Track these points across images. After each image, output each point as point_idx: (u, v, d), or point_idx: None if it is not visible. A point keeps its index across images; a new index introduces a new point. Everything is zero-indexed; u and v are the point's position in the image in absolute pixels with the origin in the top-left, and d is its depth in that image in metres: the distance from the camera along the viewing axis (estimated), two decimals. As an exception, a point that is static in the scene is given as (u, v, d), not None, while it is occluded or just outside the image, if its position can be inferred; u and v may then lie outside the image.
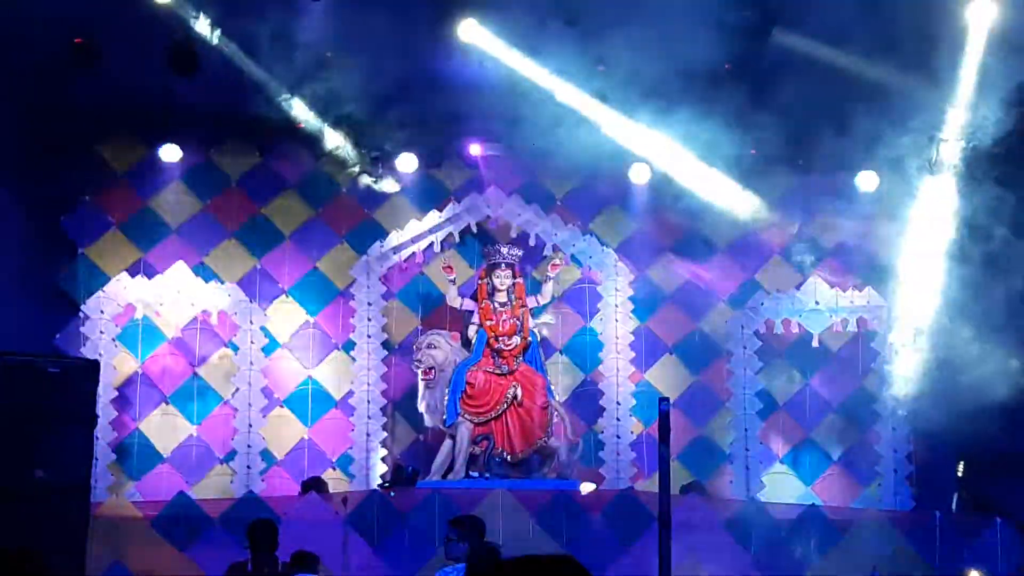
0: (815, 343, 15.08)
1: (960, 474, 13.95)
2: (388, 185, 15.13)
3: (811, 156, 15.00)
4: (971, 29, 12.34)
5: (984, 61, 12.51)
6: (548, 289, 14.68)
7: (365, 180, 14.95)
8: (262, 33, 12.55)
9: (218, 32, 12.61)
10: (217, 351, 14.96)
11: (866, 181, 15.24)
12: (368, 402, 14.69)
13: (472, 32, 12.30)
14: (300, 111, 14.00)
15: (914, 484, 14.69)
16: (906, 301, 14.88)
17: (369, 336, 14.80)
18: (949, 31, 12.33)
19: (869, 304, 14.92)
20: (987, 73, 12.54)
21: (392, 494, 12.95)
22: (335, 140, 14.57)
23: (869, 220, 15.39)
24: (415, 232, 14.97)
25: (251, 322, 14.69)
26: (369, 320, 14.82)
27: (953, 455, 14.36)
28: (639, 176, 15.21)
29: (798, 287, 15.15)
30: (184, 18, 12.26)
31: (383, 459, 14.68)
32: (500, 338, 14.33)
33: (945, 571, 12.48)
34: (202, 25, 12.49)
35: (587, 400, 15.16)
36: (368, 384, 14.70)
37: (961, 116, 13.07)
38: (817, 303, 14.93)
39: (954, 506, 13.63)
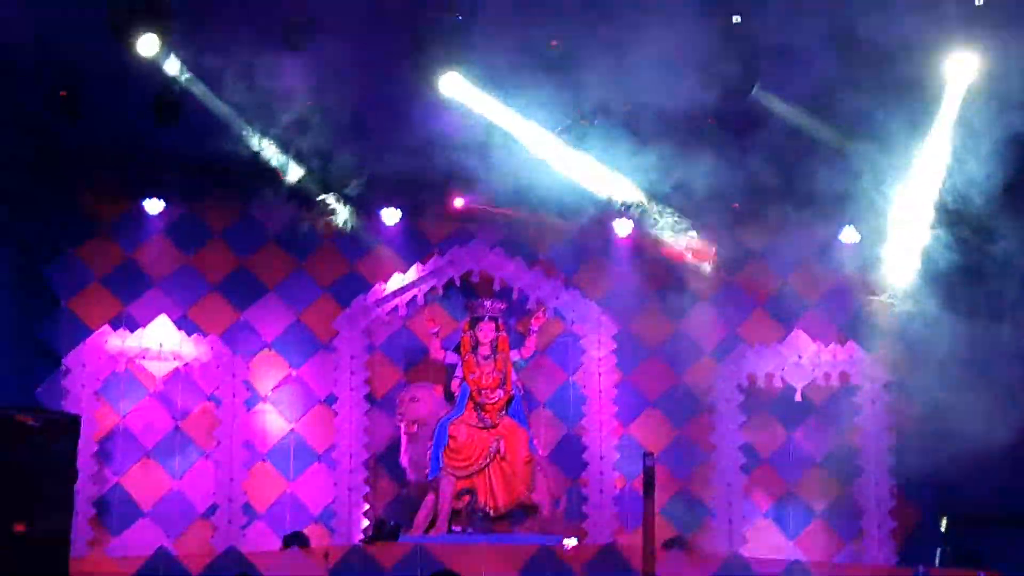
0: (798, 397, 15.06)
1: (943, 529, 13.94)
2: (371, 236, 15.20)
3: (794, 209, 15.09)
4: (951, 83, 12.42)
5: (964, 115, 12.57)
6: (531, 342, 14.70)
7: (347, 229, 14.96)
8: (244, 86, 12.58)
9: (201, 85, 12.62)
10: (199, 405, 14.90)
11: (848, 235, 15.33)
12: (351, 456, 14.63)
13: (455, 85, 12.34)
14: (282, 163, 14.02)
15: (897, 539, 14.67)
16: (886, 354, 14.96)
17: (352, 389, 14.77)
18: (930, 86, 12.42)
19: (852, 358, 14.93)
20: (967, 127, 12.61)
21: (374, 548, 12.88)
22: (318, 191, 14.64)
23: (852, 273, 15.50)
24: (398, 285, 14.98)
25: (233, 375, 14.64)
26: (352, 373, 14.79)
27: (937, 510, 14.36)
28: (622, 229, 15.30)
29: (781, 340, 15.17)
30: (167, 70, 12.28)
31: (365, 513, 14.61)
32: (483, 391, 14.33)
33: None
34: (185, 77, 12.50)
35: (570, 454, 15.12)
36: (351, 438, 14.65)
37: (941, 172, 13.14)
38: (800, 356, 14.94)
39: (937, 561, 13.60)
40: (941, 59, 11.93)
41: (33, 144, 13.59)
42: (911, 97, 12.36)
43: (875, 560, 14.23)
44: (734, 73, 12.01)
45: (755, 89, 12.23)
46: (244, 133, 13.36)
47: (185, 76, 12.39)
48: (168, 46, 11.88)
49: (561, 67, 12.08)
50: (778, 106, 12.69)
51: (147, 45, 11.73)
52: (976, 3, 11.26)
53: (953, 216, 13.47)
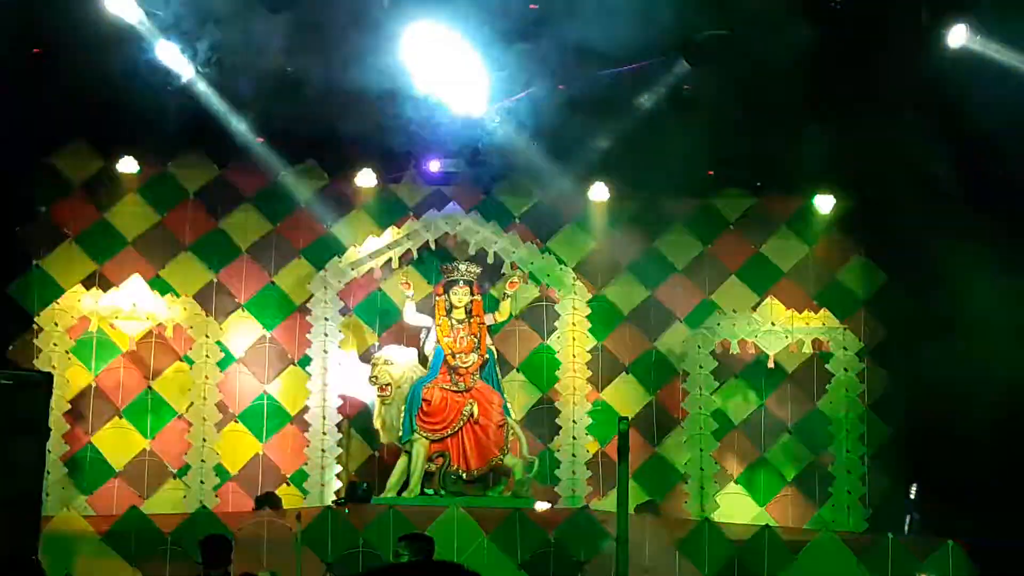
0: (770, 364, 15.11)
1: (913, 497, 14.02)
2: (346, 199, 15.17)
3: (767, 177, 15.13)
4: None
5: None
6: (506, 307, 14.71)
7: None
8: (220, 46, 12.52)
9: (172, 43, 12.55)
10: (172, 365, 14.86)
11: (823, 203, 15.39)
12: (323, 418, 14.60)
13: (427, 44, 12.26)
14: (259, 125, 13.96)
15: (867, 506, 14.76)
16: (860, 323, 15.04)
17: (325, 352, 14.72)
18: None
19: (824, 326, 14.98)
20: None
21: (346, 511, 12.89)
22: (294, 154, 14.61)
23: (823, 241, 15.57)
24: (373, 248, 14.93)
25: (207, 336, 14.59)
26: (326, 335, 14.75)
27: (907, 478, 14.44)
28: (598, 194, 15.32)
29: (754, 308, 15.22)
30: (139, 30, 12.20)
31: (337, 475, 14.59)
32: (457, 355, 14.32)
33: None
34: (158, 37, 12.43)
35: (543, 418, 15.15)
36: (324, 400, 14.63)
37: None
38: (773, 324, 14.98)
39: (907, 528, 13.68)
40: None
41: (5, 103, 13.45)
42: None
43: (845, 527, 14.29)
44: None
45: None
46: (219, 95, 13.29)
47: (158, 36, 12.33)
48: (141, 3, 11.83)
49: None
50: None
51: (119, 2, 11.69)
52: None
53: None
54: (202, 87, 13.15)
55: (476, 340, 14.39)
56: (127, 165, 14.85)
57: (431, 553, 8.99)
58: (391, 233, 14.99)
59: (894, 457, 15.00)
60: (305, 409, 14.74)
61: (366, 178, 15.21)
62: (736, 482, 15.32)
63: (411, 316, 14.62)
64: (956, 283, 13.42)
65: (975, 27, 11.90)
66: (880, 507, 14.75)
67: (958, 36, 12.09)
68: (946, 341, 13.53)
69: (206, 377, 14.52)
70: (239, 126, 13.96)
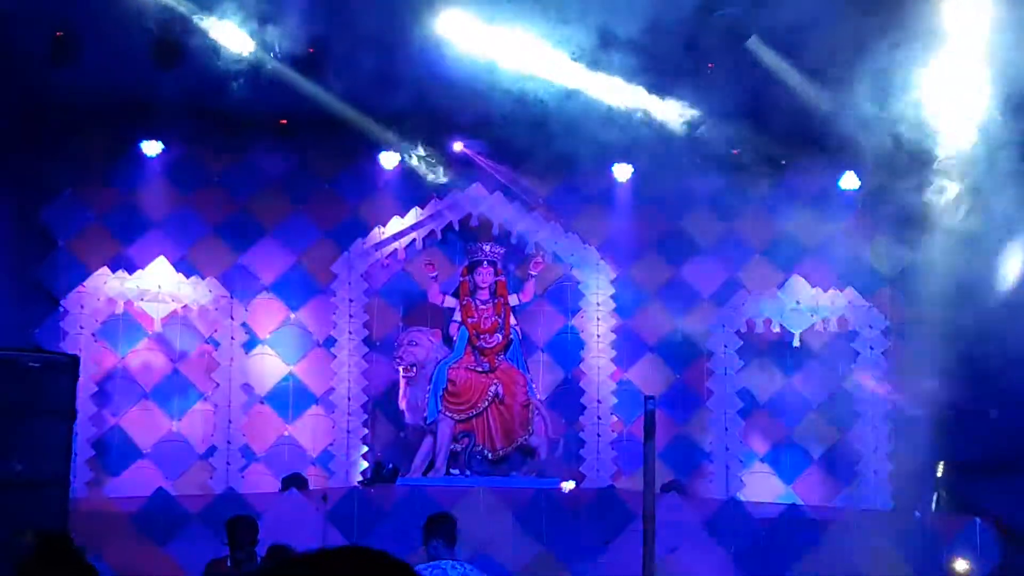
0: (796, 342, 15.08)
1: (940, 475, 14.00)
2: (370, 179, 15.19)
3: (793, 156, 15.07)
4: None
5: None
6: (530, 287, 14.69)
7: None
8: (245, 27, 12.54)
9: (202, 25, 12.54)
10: (197, 347, 14.92)
11: (848, 181, 15.33)
12: (349, 399, 14.66)
13: (453, 24, 12.27)
14: (283, 106, 13.96)
15: (894, 484, 14.73)
16: (885, 301, 14.99)
17: (351, 333, 14.77)
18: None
19: (850, 304, 14.94)
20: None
21: (372, 491, 12.94)
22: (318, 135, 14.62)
23: (848, 219, 15.50)
24: (397, 229, 14.94)
25: (232, 318, 14.65)
26: (351, 317, 14.79)
27: (933, 456, 14.41)
28: (622, 174, 15.30)
29: (780, 286, 15.18)
30: (167, 11, 12.21)
31: (364, 456, 14.65)
32: (482, 335, 14.33)
33: (923, 570, 12.52)
34: (186, 18, 12.43)
35: (568, 398, 15.16)
36: (349, 381, 14.67)
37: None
38: (798, 302, 14.94)
39: (933, 506, 13.66)
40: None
41: (30, 85, 13.49)
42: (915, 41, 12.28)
43: (872, 505, 14.28)
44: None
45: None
46: (242, 76, 13.28)
47: (184, 18, 12.33)
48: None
49: None
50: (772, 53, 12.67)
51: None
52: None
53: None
54: (226, 67, 13.11)
55: (500, 320, 14.40)
56: (151, 147, 14.88)
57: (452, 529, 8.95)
58: (415, 214, 15.00)
59: (920, 435, 14.95)
60: (331, 390, 14.79)
61: (390, 159, 15.21)
62: (762, 461, 15.31)
63: (435, 297, 14.62)
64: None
65: None
66: (906, 485, 14.72)
67: None
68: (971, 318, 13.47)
69: (232, 359, 14.58)
70: (263, 106, 13.94)
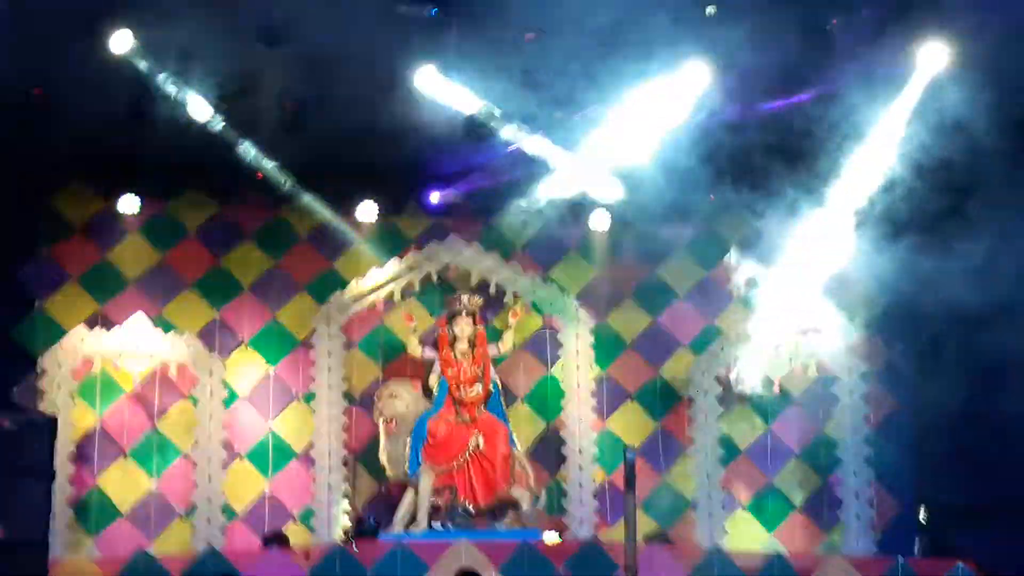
0: (776, 389, 15.09)
1: (922, 519, 14.02)
2: (347, 232, 15.18)
3: (769, 202, 15.11)
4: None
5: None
6: (509, 337, 14.68)
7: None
8: (220, 82, 12.55)
9: (172, 81, 12.55)
10: (176, 403, 14.84)
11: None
12: (329, 454, 14.61)
13: (429, 79, 12.35)
14: (257, 160, 13.95)
15: (876, 530, 14.74)
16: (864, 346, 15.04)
17: (330, 387, 14.74)
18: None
19: (829, 350, 14.96)
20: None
21: (355, 547, 12.87)
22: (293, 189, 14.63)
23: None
24: (375, 281, 14.95)
25: (211, 374, 14.61)
26: (329, 370, 14.77)
27: (915, 500, 14.44)
28: (599, 223, 15.34)
29: (758, 332, 15.18)
30: (140, 68, 12.22)
31: (345, 512, 14.58)
32: (462, 387, 14.30)
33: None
34: (159, 76, 12.44)
35: (549, 449, 15.13)
36: (329, 436, 14.63)
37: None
38: (778, 348, 14.95)
39: (916, 551, 13.67)
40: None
41: (4, 143, 13.45)
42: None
43: (854, 551, 14.28)
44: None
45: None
46: (218, 131, 13.29)
47: (159, 75, 12.35)
48: (142, 43, 11.86)
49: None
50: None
51: (120, 42, 11.73)
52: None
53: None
54: (201, 123, 13.11)
55: (480, 371, 14.37)
56: (128, 204, 14.85)
57: None
58: (393, 265, 15.00)
59: (902, 480, 14.98)
60: (311, 445, 14.74)
61: (367, 211, 15.22)
62: (745, 508, 15.28)
63: (415, 349, 14.60)
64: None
65: None
66: (889, 530, 14.72)
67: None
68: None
69: (211, 415, 14.53)
70: (238, 161, 13.95)
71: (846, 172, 13.51)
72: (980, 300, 12.62)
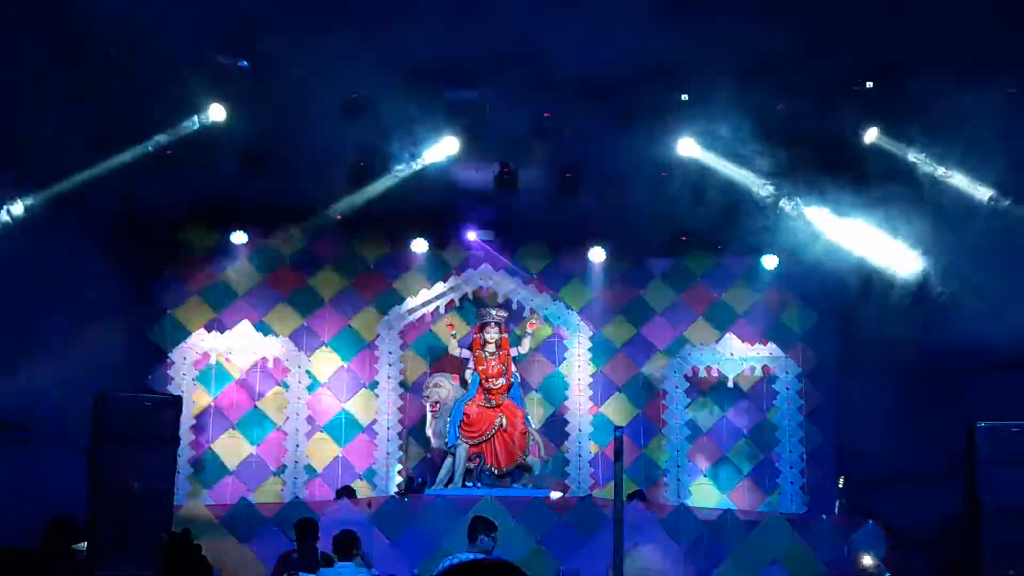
0: (730, 384, 15.09)
1: (841, 486, 13.96)
2: (404, 261, 15.22)
3: (728, 241, 15.11)
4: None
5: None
6: (526, 342, 14.69)
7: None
8: (305, 151, 12.56)
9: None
10: (272, 389, 14.91)
11: (769, 261, 15.37)
12: (388, 428, 14.65)
13: (460, 144, 12.35)
14: (339, 207, 14.01)
15: (805, 493, 14.69)
16: (797, 353, 15.01)
17: (389, 378, 14.79)
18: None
19: (770, 355, 14.97)
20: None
21: (406, 499, 12.90)
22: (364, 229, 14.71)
23: (769, 290, 15.53)
24: (425, 298, 15.00)
25: (299, 367, 14.67)
26: (390, 365, 14.81)
27: (836, 471, 14.38)
28: (596, 256, 15.39)
29: (717, 342, 15.20)
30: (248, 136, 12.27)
31: (399, 472, 14.62)
32: (490, 379, 14.33)
33: (828, 560, 12.48)
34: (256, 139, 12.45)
35: (556, 427, 15.14)
36: (388, 415, 14.67)
37: None
38: (732, 354, 14.97)
39: (836, 510, 13.62)
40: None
41: (144, 191, 13.45)
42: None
43: (789, 510, 14.24)
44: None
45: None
46: (310, 188, 13.28)
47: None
48: (235, 113, 11.91)
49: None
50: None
51: (217, 113, 11.84)
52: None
53: None
54: (295, 177, 13.15)
55: (504, 368, 14.40)
56: (238, 237, 14.95)
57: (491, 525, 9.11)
58: (439, 287, 15.06)
59: (825, 456, 14.94)
60: (374, 422, 14.78)
61: (420, 245, 15.29)
62: (704, 475, 15.26)
63: (455, 350, 14.65)
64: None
65: None
66: (816, 494, 14.68)
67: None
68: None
69: (298, 398, 14.59)
70: (324, 206, 14.00)
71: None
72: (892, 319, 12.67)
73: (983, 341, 10.91)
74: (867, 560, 11.50)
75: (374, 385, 14.92)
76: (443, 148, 12.22)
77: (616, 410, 15.33)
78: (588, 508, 12.62)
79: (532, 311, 15.02)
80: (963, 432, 9.46)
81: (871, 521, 12.59)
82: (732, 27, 9.38)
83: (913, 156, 11.44)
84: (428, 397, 14.36)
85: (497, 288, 15.07)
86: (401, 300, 15.07)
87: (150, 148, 12.16)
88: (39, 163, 11.36)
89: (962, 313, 10.40)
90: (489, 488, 13.61)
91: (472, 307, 15.21)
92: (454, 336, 14.62)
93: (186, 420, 13.40)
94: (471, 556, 8.83)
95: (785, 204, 12.56)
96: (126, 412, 9.07)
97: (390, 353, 14.84)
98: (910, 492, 12.65)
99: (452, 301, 15.09)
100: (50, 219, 11.75)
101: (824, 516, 12.93)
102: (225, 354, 14.63)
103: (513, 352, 14.56)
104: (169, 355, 14.42)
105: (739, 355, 14.94)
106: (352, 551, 9.77)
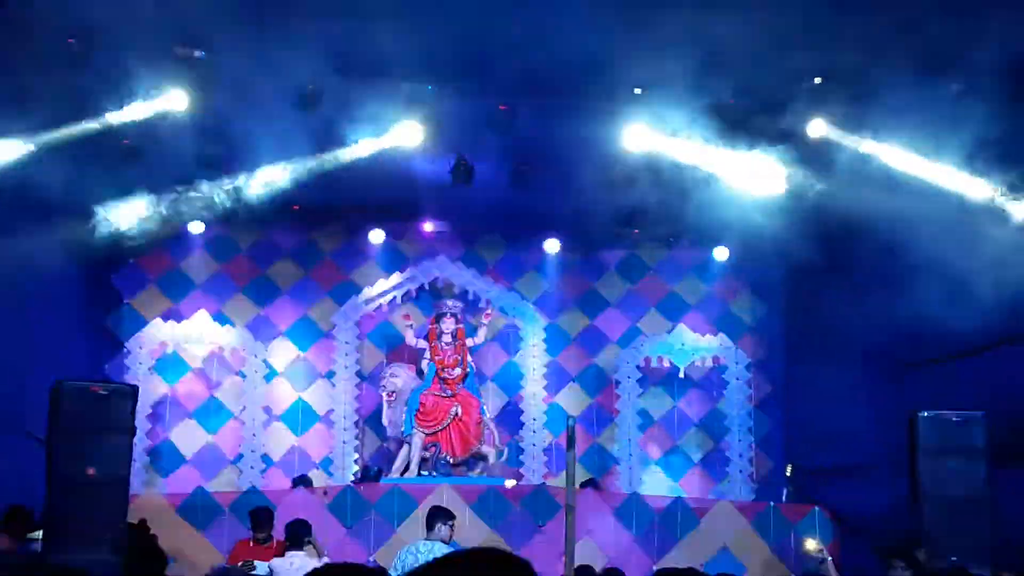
0: (681, 374, 15.17)
1: (788, 474, 14.08)
2: (361, 252, 15.16)
3: (679, 234, 15.16)
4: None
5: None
6: (482, 333, 14.68)
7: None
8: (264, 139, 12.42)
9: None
10: (229, 378, 14.83)
11: (720, 253, 15.47)
12: (344, 417, 14.62)
13: (415, 136, 12.17)
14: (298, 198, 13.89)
15: (754, 481, 14.81)
16: (747, 343, 15.11)
17: (346, 367, 14.75)
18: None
19: (721, 346, 15.05)
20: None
21: (362, 488, 12.88)
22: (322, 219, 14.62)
23: (720, 282, 15.62)
24: (382, 289, 14.96)
25: (255, 356, 14.60)
26: (346, 355, 14.78)
27: (784, 460, 14.50)
28: (551, 248, 15.41)
29: (668, 332, 15.28)
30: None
31: (355, 461, 14.59)
32: (446, 369, 14.32)
33: (776, 545, 12.60)
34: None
35: (511, 417, 15.16)
36: (345, 404, 14.63)
37: None
38: (683, 344, 15.05)
39: (784, 498, 13.74)
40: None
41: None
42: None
43: (738, 497, 14.34)
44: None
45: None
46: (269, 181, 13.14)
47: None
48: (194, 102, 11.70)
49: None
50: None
51: (176, 102, 11.65)
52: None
53: None
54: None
55: (460, 358, 14.39)
56: (196, 227, 14.83)
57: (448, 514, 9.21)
58: (395, 277, 15.02)
59: (774, 444, 15.06)
60: (331, 411, 14.74)
61: (377, 236, 15.25)
62: (656, 464, 15.34)
63: (411, 340, 14.62)
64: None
65: None
66: (764, 482, 14.80)
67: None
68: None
69: (255, 387, 14.52)
70: (278, 199, 13.85)
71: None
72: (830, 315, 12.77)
73: (929, 331, 11.02)
74: (810, 545, 11.62)
75: (331, 375, 14.87)
76: (398, 138, 12.12)
77: (570, 400, 15.36)
78: (542, 496, 12.66)
79: (488, 302, 15.02)
80: (906, 421, 9.57)
81: (817, 508, 12.73)
82: (686, 20, 9.41)
83: (863, 148, 11.47)
84: (384, 387, 14.34)
85: (453, 279, 15.06)
86: (358, 290, 15.03)
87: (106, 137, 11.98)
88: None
89: (910, 303, 10.49)
90: (445, 476, 13.62)
91: (429, 298, 15.20)
92: (410, 327, 14.58)
93: (143, 409, 13.31)
94: (430, 544, 8.84)
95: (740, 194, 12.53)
96: (83, 401, 8.99)
97: (347, 343, 14.80)
98: (856, 480, 12.80)
99: (409, 292, 15.07)
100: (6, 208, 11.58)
101: (772, 503, 13.03)
102: (182, 343, 14.52)
103: (469, 342, 14.56)
104: (126, 344, 14.29)
105: (690, 345, 15.01)
106: (304, 539, 9.75)
